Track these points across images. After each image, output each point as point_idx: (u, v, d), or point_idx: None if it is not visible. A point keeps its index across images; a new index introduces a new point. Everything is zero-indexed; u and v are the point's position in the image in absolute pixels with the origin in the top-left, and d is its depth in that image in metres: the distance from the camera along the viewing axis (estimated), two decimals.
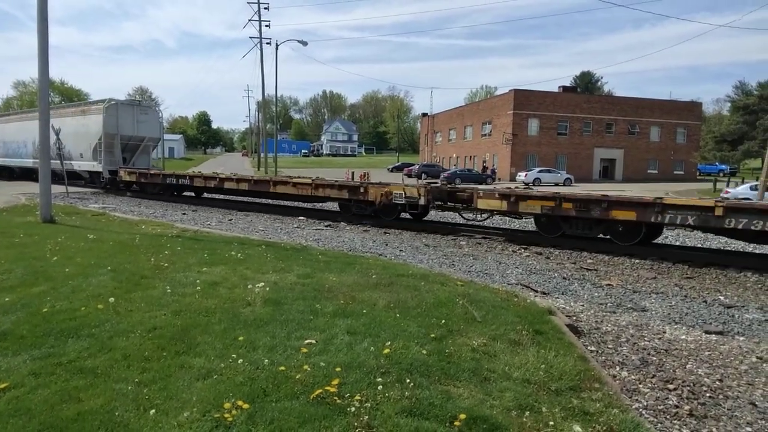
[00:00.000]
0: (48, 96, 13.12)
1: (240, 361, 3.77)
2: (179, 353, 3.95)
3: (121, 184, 23.20)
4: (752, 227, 8.92)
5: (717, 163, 55.71)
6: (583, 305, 6.57)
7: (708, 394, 4.10)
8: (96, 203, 18.80)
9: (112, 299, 5.13)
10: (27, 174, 29.31)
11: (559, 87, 59.29)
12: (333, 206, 18.68)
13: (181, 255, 7.73)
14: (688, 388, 4.19)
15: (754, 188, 25.55)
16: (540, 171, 45.89)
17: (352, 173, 38.27)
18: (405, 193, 13.47)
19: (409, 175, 50.56)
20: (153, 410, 3.07)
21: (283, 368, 3.65)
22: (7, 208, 15.28)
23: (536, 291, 7.16)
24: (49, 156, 12.54)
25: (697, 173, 58.75)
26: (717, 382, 4.33)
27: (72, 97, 57.85)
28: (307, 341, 4.22)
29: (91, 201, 19.65)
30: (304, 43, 41.87)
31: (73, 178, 25.56)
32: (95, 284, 5.86)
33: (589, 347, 4.94)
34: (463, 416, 3.05)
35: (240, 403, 3.12)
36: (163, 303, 5.19)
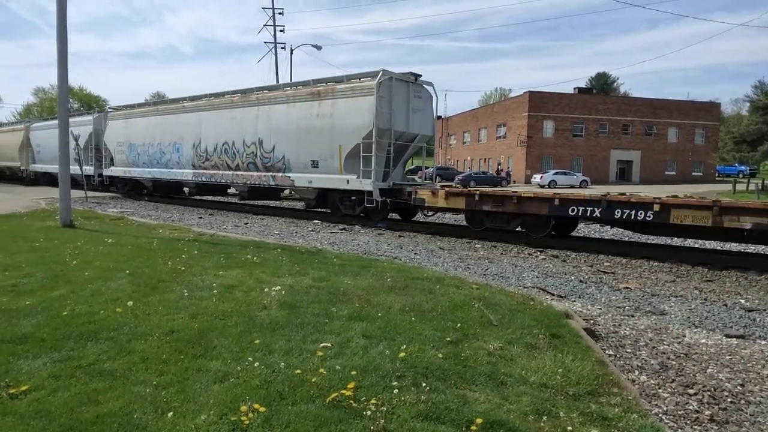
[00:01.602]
0: (67, 102, 13.33)
1: (256, 364, 3.79)
2: (196, 356, 3.97)
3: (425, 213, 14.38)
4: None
5: (736, 164, 54.86)
6: (600, 309, 6.50)
7: (729, 399, 4.03)
8: (114, 208, 19.04)
9: (130, 303, 5.18)
10: (176, 189, 23.75)
11: (575, 88, 58.86)
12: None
13: (197, 259, 7.80)
14: (709, 393, 4.12)
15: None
16: (555, 173, 45.53)
17: None
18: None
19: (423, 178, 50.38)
20: (171, 413, 3.09)
21: (299, 371, 3.66)
22: (28, 212, 15.53)
23: (553, 294, 7.10)
24: (68, 161, 12.73)
25: (716, 174, 57.92)
26: (738, 387, 4.25)
27: (90, 103, 58.72)
28: (322, 345, 4.22)
29: (109, 205, 19.91)
30: (319, 48, 42.03)
31: (266, 197, 19.92)
32: (114, 288, 5.93)
33: (607, 351, 4.88)
34: (479, 420, 3.03)
35: (256, 406, 3.14)
36: (180, 306, 5.23)
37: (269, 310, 5.16)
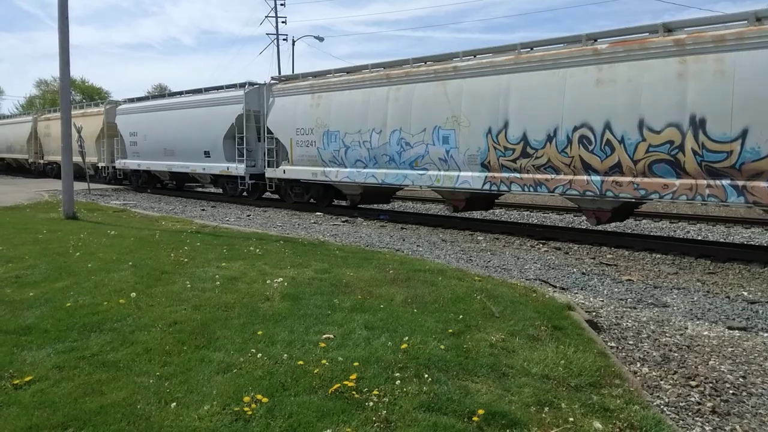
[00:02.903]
0: (69, 94, 13.33)
1: (259, 355, 3.81)
2: (199, 347, 3.99)
3: None
4: None
5: None
6: (602, 301, 6.50)
7: (731, 391, 4.03)
8: (117, 200, 19.07)
9: (133, 294, 5.20)
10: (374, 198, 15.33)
11: None
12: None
13: (200, 251, 7.81)
14: (711, 384, 4.12)
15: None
16: None
17: None
18: None
19: None
20: (174, 403, 3.11)
21: (301, 363, 3.67)
22: (31, 204, 15.57)
23: (555, 286, 7.10)
24: (71, 152, 12.74)
25: None
26: (740, 379, 4.26)
27: (93, 95, 58.65)
28: (325, 336, 4.24)
29: (112, 198, 19.94)
30: (321, 39, 41.95)
31: None
32: (117, 279, 5.95)
33: (609, 343, 4.89)
34: (481, 411, 3.04)
35: (259, 396, 3.15)
36: (183, 298, 5.25)
37: (272, 302, 5.17)
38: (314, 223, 13.45)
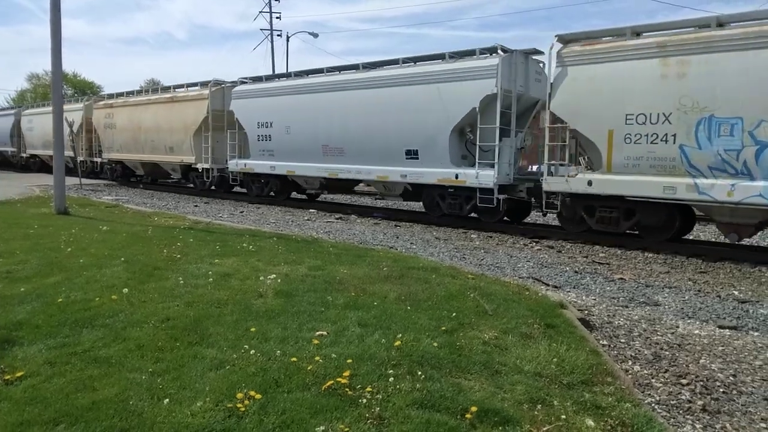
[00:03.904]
0: (61, 88, 13.26)
1: (252, 352, 3.80)
2: (192, 344, 3.98)
3: None
4: None
5: None
6: (595, 299, 6.53)
7: (721, 390, 4.07)
8: (109, 195, 18.97)
9: (125, 290, 5.18)
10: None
11: None
12: (343, 198, 18.76)
13: (193, 247, 7.78)
14: (702, 383, 4.15)
15: None
16: None
17: None
18: None
19: None
20: (167, 399, 3.10)
21: (294, 359, 3.67)
22: (22, 199, 15.45)
23: (548, 284, 7.13)
24: (63, 147, 12.65)
25: None
26: (731, 378, 4.29)
27: (85, 89, 58.24)
28: (318, 333, 4.23)
29: (104, 193, 19.83)
30: (315, 35, 41.93)
31: None
32: (109, 275, 5.92)
33: (601, 341, 4.91)
34: (474, 409, 3.05)
35: (252, 393, 3.15)
36: (176, 294, 5.23)
37: (265, 299, 5.16)
38: (307, 219, 13.43)
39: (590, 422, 3.07)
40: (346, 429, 2.84)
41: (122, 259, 6.72)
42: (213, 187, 19.93)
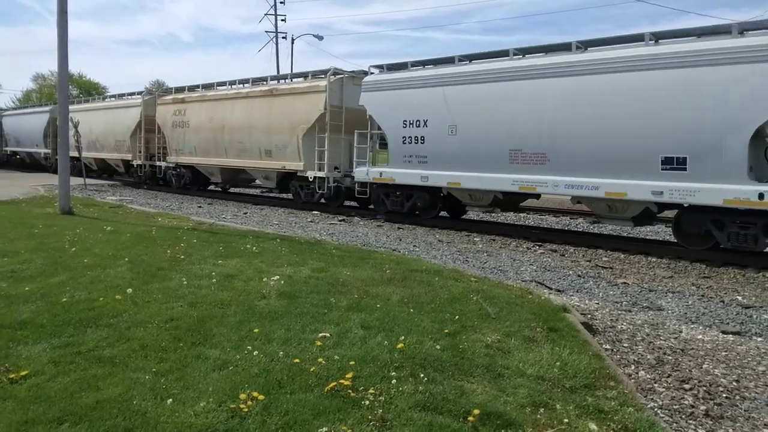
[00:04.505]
0: (67, 89, 13.32)
1: (255, 353, 3.81)
2: (195, 344, 3.99)
3: None
4: None
5: None
6: (598, 303, 6.52)
7: (724, 395, 4.06)
8: (113, 195, 19.04)
9: (129, 290, 5.20)
10: None
11: None
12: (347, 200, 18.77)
13: (197, 247, 7.81)
14: (704, 388, 4.14)
15: None
16: None
17: None
18: None
19: None
20: (170, 399, 3.11)
21: (297, 361, 3.68)
22: (26, 199, 15.52)
23: (551, 288, 7.12)
24: (68, 147, 12.71)
25: None
26: (734, 383, 4.28)
27: (90, 90, 58.46)
28: (321, 334, 4.24)
29: (108, 193, 19.90)
30: (320, 38, 42.01)
31: None
32: (113, 275, 5.94)
33: (604, 345, 4.91)
34: (476, 411, 3.05)
35: (255, 394, 3.16)
36: (179, 295, 5.25)
37: (268, 300, 5.17)
38: (311, 221, 13.45)
39: (593, 426, 3.07)
40: (349, 430, 2.85)
41: (126, 259, 6.74)
42: (323, 201, 15.79)
